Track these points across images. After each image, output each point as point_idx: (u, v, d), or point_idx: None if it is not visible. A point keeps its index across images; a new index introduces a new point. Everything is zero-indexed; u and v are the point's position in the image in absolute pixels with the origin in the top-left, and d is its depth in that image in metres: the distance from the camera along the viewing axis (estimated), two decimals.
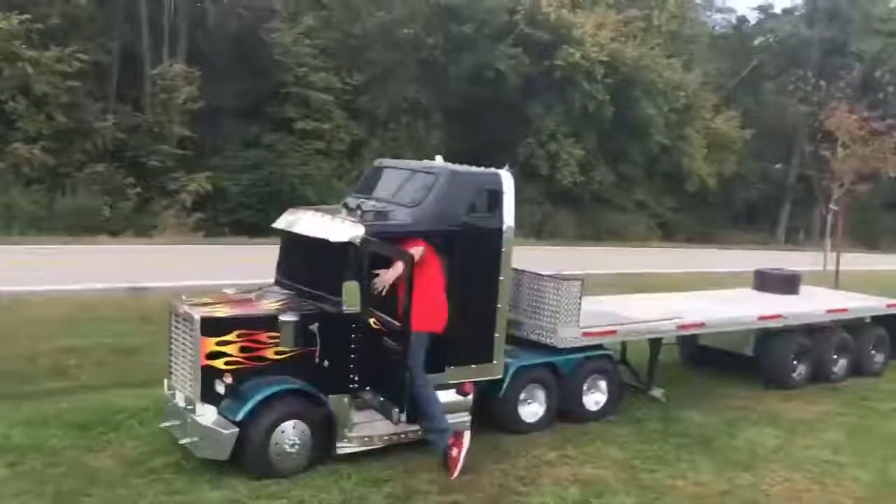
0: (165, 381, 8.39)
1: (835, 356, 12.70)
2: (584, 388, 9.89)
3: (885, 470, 8.96)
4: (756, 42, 50.65)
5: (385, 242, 7.85)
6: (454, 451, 8.04)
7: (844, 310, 12.94)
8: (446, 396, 8.61)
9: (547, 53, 33.39)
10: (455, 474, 7.93)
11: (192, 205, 26.26)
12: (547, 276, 9.76)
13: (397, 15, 32.03)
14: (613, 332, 10.16)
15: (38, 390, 9.89)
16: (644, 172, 38.60)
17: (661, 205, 39.42)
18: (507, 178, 8.89)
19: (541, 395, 9.51)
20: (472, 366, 8.76)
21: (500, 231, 8.71)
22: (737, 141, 40.77)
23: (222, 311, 7.88)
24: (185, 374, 7.87)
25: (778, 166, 42.65)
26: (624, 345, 11.24)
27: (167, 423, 8.15)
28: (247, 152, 28.68)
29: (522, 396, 9.36)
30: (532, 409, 9.47)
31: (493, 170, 9.09)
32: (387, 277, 7.75)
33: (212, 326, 7.59)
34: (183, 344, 7.92)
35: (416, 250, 7.86)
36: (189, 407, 7.74)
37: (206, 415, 7.61)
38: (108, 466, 7.72)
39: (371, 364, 8.03)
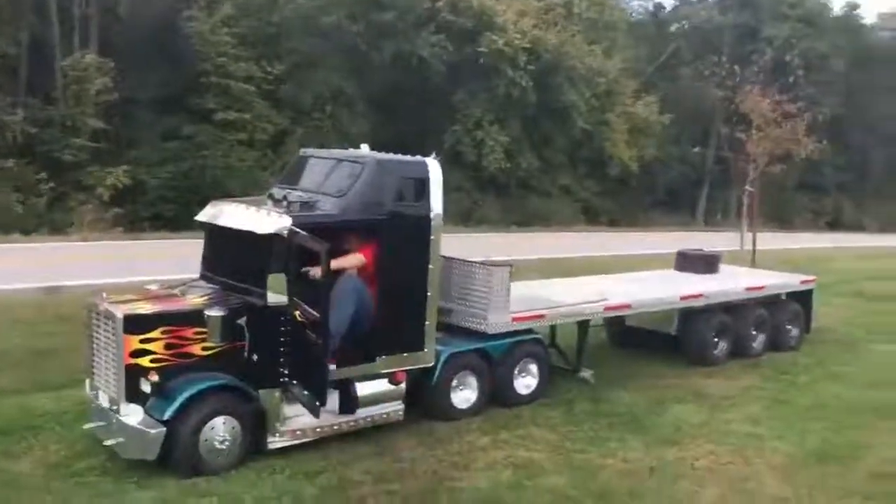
0: (87, 381, 8.14)
1: (753, 332, 13.13)
2: (516, 372, 9.99)
3: (803, 441, 9.32)
4: (672, 28, 51.82)
5: (308, 235, 7.73)
6: None
7: (762, 287, 13.41)
8: (378, 386, 8.62)
9: (470, 40, 33.49)
10: None
11: (109, 200, 25.46)
12: (476, 262, 9.82)
13: (318, 2, 31.61)
14: (542, 315, 10.29)
15: None
16: (568, 158, 39.17)
17: (584, 189, 40.06)
18: (433, 166, 8.90)
19: (473, 381, 9.57)
20: (404, 354, 8.77)
21: (428, 219, 8.73)
22: (656, 125, 41.67)
23: (145, 308, 7.68)
24: (109, 373, 7.64)
25: (696, 150, 43.72)
26: (553, 328, 11.39)
27: (91, 425, 7.92)
28: (166, 144, 27.95)
29: (454, 383, 9.40)
30: (464, 396, 9.53)
31: (419, 158, 9.09)
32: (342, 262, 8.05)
33: (135, 324, 7.39)
34: (105, 343, 7.69)
35: (358, 258, 8.25)
36: (113, 407, 7.53)
37: (132, 415, 7.41)
38: (30, 472, 7.47)
39: (298, 357, 7.95)
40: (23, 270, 16.06)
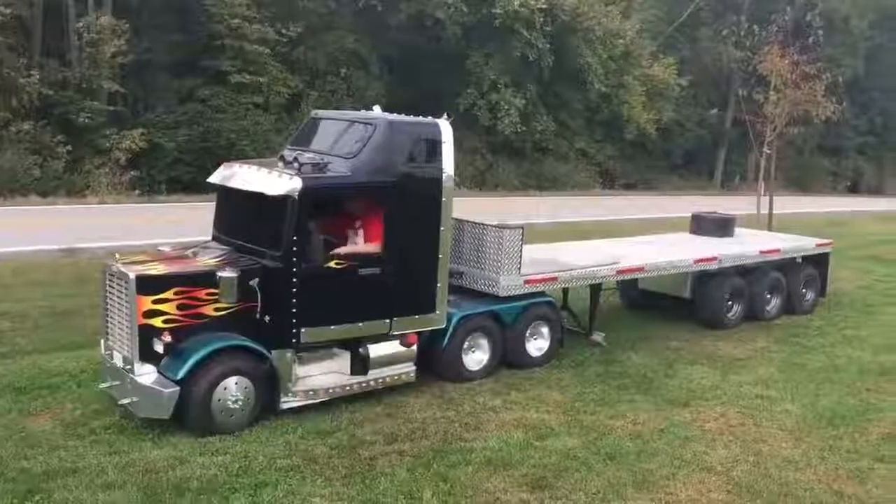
0: (102, 342, 8.25)
1: (768, 296, 13.08)
2: (527, 334, 10.02)
3: (815, 403, 9.33)
4: None
5: None
6: None
7: (776, 250, 13.31)
8: (390, 347, 8.67)
9: (486, 2, 33.05)
10: None
11: (126, 163, 25.53)
12: (487, 224, 9.79)
13: None
14: (554, 278, 10.28)
15: None
16: (584, 121, 38.79)
17: (601, 153, 39.73)
18: (445, 128, 8.86)
19: (484, 343, 9.61)
20: (416, 316, 8.80)
21: (439, 180, 8.71)
22: (674, 88, 41.13)
23: (158, 269, 7.74)
24: (123, 333, 7.74)
25: (713, 112, 43.18)
26: (565, 291, 11.40)
27: (106, 384, 8.03)
28: (182, 107, 27.91)
29: (466, 345, 9.45)
30: (476, 358, 9.58)
31: (431, 119, 9.05)
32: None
33: (148, 285, 7.46)
34: (118, 303, 7.77)
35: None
36: (127, 367, 7.63)
37: (146, 374, 7.51)
38: (46, 429, 7.60)
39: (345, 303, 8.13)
40: (41, 233, 16.21)
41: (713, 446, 7.99)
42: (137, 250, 9.49)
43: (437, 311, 8.96)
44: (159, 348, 7.51)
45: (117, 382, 7.83)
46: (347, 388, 8.46)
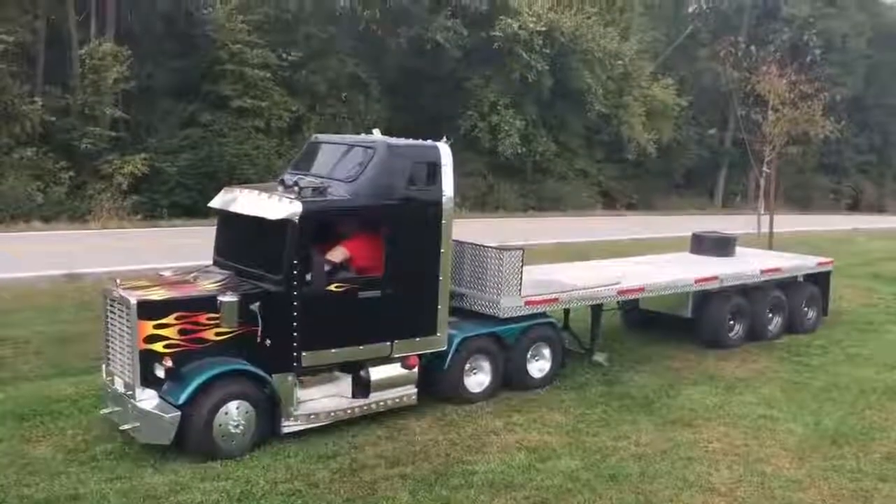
0: (103, 367, 8.25)
1: (770, 315, 13.06)
2: (529, 356, 10.01)
3: (818, 422, 9.29)
4: (690, 9, 51.21)
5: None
6: None
7: (778, 269, 13.31)
8: (391, 370, 8.67)
9: (485, 24, 33.30)
10: None
11: (128, 188, 25.64)
12: (488, 246, 9.81)
13: None
14: (556, 299, 10.28)
15: None
16: (584, 141, 38.95)
17: (601, 173, 39.84)
18: (445, 151, 8.91)
19: (486, 365, 9.60)
20: (417, 339, 8.80)
21: (439, 203, 8.74)
22: (674, 108, 41.30)
23: (159, 294, 7.76)
24: (124, 359, 7.74)
25: (711, 132, 43.25)
26: (567, 311, 11.39)
27: (107, 410, 8.02)
28: (183, 132, 28.05)
29: (467, 367, 9.43)
30: (477, 380, 9.56)
31: (430, 142, 9.10)
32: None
33: (149, 310, 7.48)
34: (120, 329, 7.78)
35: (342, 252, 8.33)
36: (129, 392, 7.63)
37: (147, 399, 7.51)
38: (47, 456, 7.59)
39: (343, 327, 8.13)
40: (44, 258, 16.25)
41: (716, 467, 7.95)
42: (139, 275, 9.51)
43: (439, 334, 8.97)
44: (160, 373, 7.51)
45: (119, 408, 7.83)
46: (349, 411, 8.45)
